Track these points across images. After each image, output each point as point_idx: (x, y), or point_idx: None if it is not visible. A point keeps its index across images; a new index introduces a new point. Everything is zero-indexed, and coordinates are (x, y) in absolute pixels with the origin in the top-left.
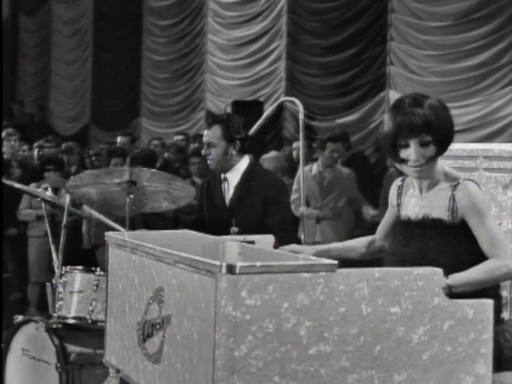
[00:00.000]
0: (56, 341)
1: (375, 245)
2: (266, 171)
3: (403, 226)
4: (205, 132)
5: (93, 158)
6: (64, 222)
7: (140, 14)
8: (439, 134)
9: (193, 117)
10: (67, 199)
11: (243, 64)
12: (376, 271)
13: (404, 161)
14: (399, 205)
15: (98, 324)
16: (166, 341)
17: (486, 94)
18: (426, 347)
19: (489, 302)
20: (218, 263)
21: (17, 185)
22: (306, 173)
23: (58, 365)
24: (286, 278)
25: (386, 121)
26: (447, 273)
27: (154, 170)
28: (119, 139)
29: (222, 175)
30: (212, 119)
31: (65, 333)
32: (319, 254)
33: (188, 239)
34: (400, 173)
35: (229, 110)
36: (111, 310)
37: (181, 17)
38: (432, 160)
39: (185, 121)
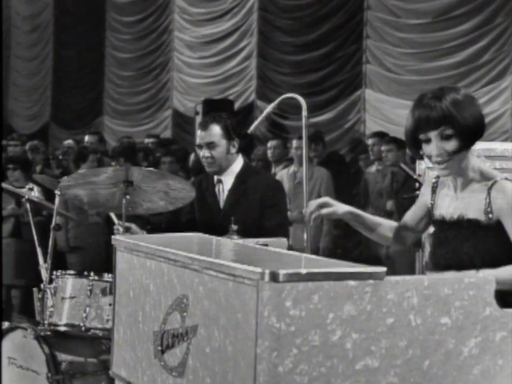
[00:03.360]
0: (46, 349)
1: (398, 233)
2: (261, 171)
3: (437, 227)
4: (201, 133)
5: (60, 157)
6: (53, 223)
7: (102, 10)
8: (461, 127)
9: (159, 116)
10: (56, 200)
11: (212, 62)
12: (425, 279)
13: (429, 157)
14: (432, 203)
15: (92, 331)
16: (191, 353)
17: None
18: (477, 360)
19: None
20: (259, 270)
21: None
22: (284, 173)
23: (49, 374)
24: (332, 287)
25: (407, 117)
26: None
27: (152, 169)
28: (86, 138)
29: (216, 177)
30: (206, 119)
31: (55, 340)
32: (351, 217)
33: (207, 243)
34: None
35: (199, 108)
36: (120, 319)
37: (146, 13)
38: (456, 154)
39: (151, 120)
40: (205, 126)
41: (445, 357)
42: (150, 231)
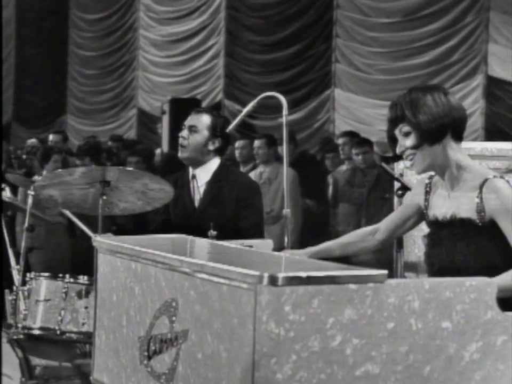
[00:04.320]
0: (20, 353)
1: (376, 237)
2: (237, 172)
3: (431, 227)
4: (191, 116)
5: (24, 157)
6: (26, 224)
7: (65, 7)
8: (416, 124)
9: (123, 115)
10: (29, 200)
11: (178, 61)
12: (426, 282)
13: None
14: (426, 204)
15: (67, 335)
16: (181, 359)
17: None
18: (479, 365)
19: None
20: (257, 273)
21: None
22: (251, 174)
23: (23, 379)
24: (332, 290)
25: None
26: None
27: (130, 169)
28: (51, 137)
29: (191, 173)
30: (201, 108)
31: (28, 344)
32: (314, 257)
33: (194, 245)
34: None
35: (165, 108)
36: (102, 323)
37: (110, 11)
38: (416, 149)
39: (115, 120)
40: (197, 111)
41: (446, 362)
42: (116, 232)
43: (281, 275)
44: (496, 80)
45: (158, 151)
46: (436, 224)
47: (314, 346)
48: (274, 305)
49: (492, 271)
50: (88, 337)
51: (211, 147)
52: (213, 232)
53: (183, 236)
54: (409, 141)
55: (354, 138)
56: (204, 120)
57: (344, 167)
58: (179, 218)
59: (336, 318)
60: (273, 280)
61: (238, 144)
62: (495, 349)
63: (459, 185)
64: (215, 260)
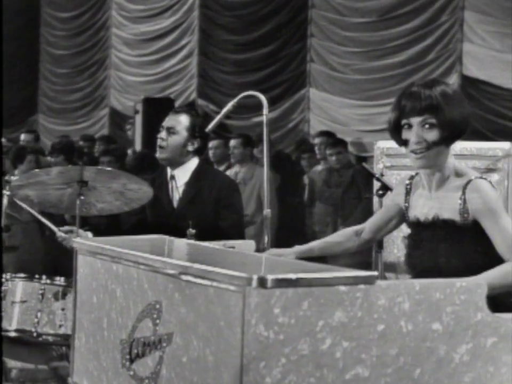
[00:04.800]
0: None
1: (361, 237)
2: (217, 171)
3: (412, 228)
4: (169, 117)
5: None
6: (1, 224)
7: (37, 5)
8: (446, 118)
9: (95, 115)
10: (5, 200)
11: (151, 60)
12: (416, 283)
13: (406, 144)
14: (407, 205)
15: (43, 337)
16: (165, 363)
17: None
18: (469, 368)
19: None
20: (246, 275)
21: None
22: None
23: None
24: (322, 292)
25: (393, 104)
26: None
27: (108, 169)
28: (22, 136)
29: (169, 173)
30: (180, 107)
31: (4, 346)
32: (301, 256)
33: (177, 247)
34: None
35: (139, 107)
36: (81, 326)
37: (82, 9)
38: (434, 146)
39: (87, 119)
40: (175, 112)
41: (436, 365)
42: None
43: (270, 277)
44: (471, 80)
45: (129, 151)
46: (417, 225)
47: (303, 349)
48: (263, 307)
49: (475, 272)
50: (65, 340)
51: (190, 148)
52: (191, 231)
53: (162, 236)
54: (432, 135)
55: (329, 138)
56: (182, 120)
57: (319, 167)
58: (157, 218)
59: (326, 321)
60: (262, 282)
61: (212, 144)
62: (485, 350)
63: (443, 186)
64: (200, 261)
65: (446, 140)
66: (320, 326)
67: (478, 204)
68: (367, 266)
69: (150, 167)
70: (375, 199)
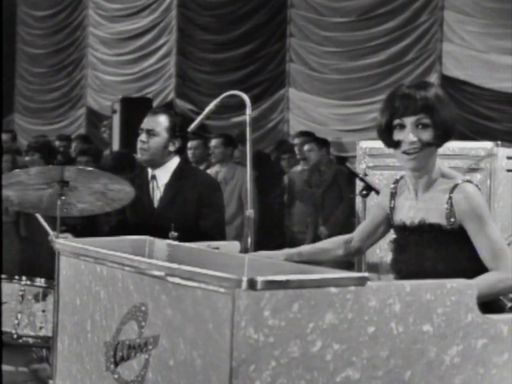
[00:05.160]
0: None
1: (351, 246)
2: (198, 170)
3: (398, 232)
4: (147, 119)
5: None
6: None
7: (13, 3)
8: (440, 119)
9: (72, 114)
10: None
11: (129, 59)
12: (407, 285)
13: (397, 145)
14: (392, 209)
15: (23, 339)
16: (151, 366)
17: None
18: (459, 370)
19: None
20: (235, 277)
21: None
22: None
23: None
24: (312, 294)
25: (382, 105)
26: None
27: (90, 169)
28: None
29: (150, 173)
30: (158, 108)
31: None
32: (290, 259)
33: (162, 248)
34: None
35: (116, 106)
36: (64, 328)
37: (59, 8)
38: (428, 147)
39: (64, 119)
40: (153, 113)
41: (426, 367)
42: (64, 233)
43: (260, 279)
44: (451, 80)
45: (107, 151)
46: (403, 229)
47: (294, 352)
48: (253, 310)
49: (461, 276)
50: (46, 342)
51: (171, 148)
52: (174, 234)
53: (145, 237)
54: (427, 135)
55: (309, 138)
56: (162, 121)
57: (299, 167)
58: (137, 218)
59: (316, 323)
60: (252, 284)
61: (191, 144)
62: (476, 352)
63: (430, 189)
64: (185, 262)
65: (439, 140)
66: (310, 328)
67: (465, 207)
68: (349, 266)
69: (128, 167)
70: (358, 200)
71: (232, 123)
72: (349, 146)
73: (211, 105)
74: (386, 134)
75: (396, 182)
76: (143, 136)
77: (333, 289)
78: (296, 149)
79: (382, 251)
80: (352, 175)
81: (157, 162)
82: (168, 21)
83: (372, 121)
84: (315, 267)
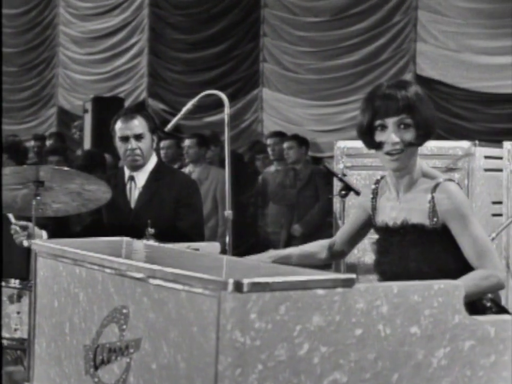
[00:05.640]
0: None
1: (334, 249)
2: (175, 170)
3: (380, 233)
4: (126, 125)
5: None
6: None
7: None
8: (421, 118)
9: (43, 114)
10: None
11: (100, 58)
12: (395, 286)
13: (380, 146)
14: (374, 209)
15: None
16: (133, 369)
17: (365, 92)
18: (446, 372)
19: (510, 320)
20: (221, 279)
21: None
22: None
23: None
24: (299, 296)
25: (361, 105)
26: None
27: (66, 168)
28: None
29: (127, 173)
30: (128, 110)
31: None
32: (278, 261)
33: (142, 249)
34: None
35: (88, 106)
36: (42, 330)
37: (29, 6)
38: (411, 146)
39: (35, 118)
40: (130, 117)
41: (414, 369)
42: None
43: (246, 281)
44: (425, 79)
45: (79, 151)
46: (385, 230)
47: (281, 355)
48: (239, 312)
49: (446, 276)
50: (21, 344)
51: (154, 145)
52: (150, 230)
53: (122, 238)
54: (409, 135)
55: (289, 136)
56: (143, 123)
57: (273, 168)
58: (113, 219)
59: (303, 325)
60: (238, 286)
61: (163, 144)
62: (463, 354)
63: (411, 189)
64: (168, 264)
65: (421, 140)
66: (297, 330)
67: (447, 207)
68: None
69: (99, 166)
70: (336, 200)
71: (205, 123)
72: (324, 146)
73: (189, 105)
74: (367, 135)
75: (377, 182)
76: (132, 143)
77: (320, 291)
78: (269, 149)
79: (360, 251)
80: (331, 175)
81: (145, 164)
82: (139, 20)
83: (347, 121)
84: (299, 268)
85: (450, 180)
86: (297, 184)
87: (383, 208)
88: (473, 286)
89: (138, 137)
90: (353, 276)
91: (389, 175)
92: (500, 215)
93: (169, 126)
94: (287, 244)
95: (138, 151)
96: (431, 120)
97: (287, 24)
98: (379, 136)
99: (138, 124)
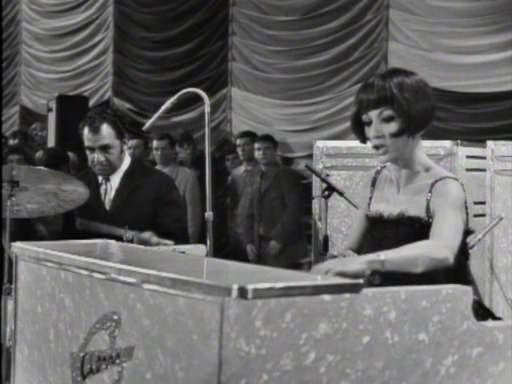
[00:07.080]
0: None
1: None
2: (150, 169)
3: (372, 224)
4: (91, 136)
5: None
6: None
7: None
8: (402, 109)
9: (5, 113)
10: None
11: (64, 56)
12: (402, 291)
13: (367, 141)
14: (370, 198)
15: None
16: (125, 379)
17: (336, 92)
18: (454, 381)
19: None
20: (225, 284)
21: None
22: None
23: None
24: (306, 303)
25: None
26: (422, 280)
27: (42, 168)
28: None
29: (101, 176)
30: (94, 119)
31: None
32: None
33: (130, 252)
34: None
35: (52, 105)
36: (24, 337)
37: None
38: (395, 138)
39: None
40: (95, 127)
41: (422, 378)
42: None
43: (251, 286)
44: None
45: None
46: (379, 221)
47: (287, 364)
48: (244, 320)
49: (437, 271)
50: None
51: (125, 149)
52: (128, 236)
53: (106, 240)
54: (392, 127)
55: (254, 138)
56: (109, 132)
57: (242, 168)
58: (86, 222)
59: (310, 333)
60: (243, 293)
61: (131, 143)
62: (471, 362)
63: (413, 183)
64: (163, 268)
65: (406, 132)
66: (303, 338)
67: (438, 198)
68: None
69: (62, 164)
70: (315, 201)
71: (172, 122)
72: (294, 146)
73: (167, 103)
74: (357, 129)
75: (377, 172)
76: (99, 156)
77: (327, 297)
78: (239, 149)
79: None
80: (316, 176)
81: (117, 169)
82: (104, 17)
83: (318, 121)
84: (302, 273)
85: (454, 178)
86: (263, 185)
87: (380, 198)
88: (420, 249)
89: (105, 148)
90: (361, 281)
91: (390, 166)
92: (483, 215)
93: (147, 125)
94: (257, 245)
95: (105, 163)
96: (419, 111)
97: (256, 23)
98: (367, 132)
99: (105, 135)
